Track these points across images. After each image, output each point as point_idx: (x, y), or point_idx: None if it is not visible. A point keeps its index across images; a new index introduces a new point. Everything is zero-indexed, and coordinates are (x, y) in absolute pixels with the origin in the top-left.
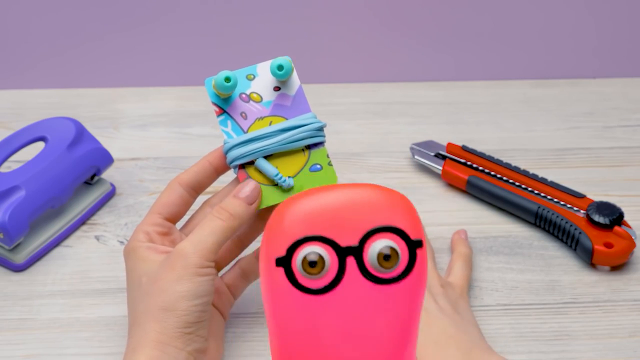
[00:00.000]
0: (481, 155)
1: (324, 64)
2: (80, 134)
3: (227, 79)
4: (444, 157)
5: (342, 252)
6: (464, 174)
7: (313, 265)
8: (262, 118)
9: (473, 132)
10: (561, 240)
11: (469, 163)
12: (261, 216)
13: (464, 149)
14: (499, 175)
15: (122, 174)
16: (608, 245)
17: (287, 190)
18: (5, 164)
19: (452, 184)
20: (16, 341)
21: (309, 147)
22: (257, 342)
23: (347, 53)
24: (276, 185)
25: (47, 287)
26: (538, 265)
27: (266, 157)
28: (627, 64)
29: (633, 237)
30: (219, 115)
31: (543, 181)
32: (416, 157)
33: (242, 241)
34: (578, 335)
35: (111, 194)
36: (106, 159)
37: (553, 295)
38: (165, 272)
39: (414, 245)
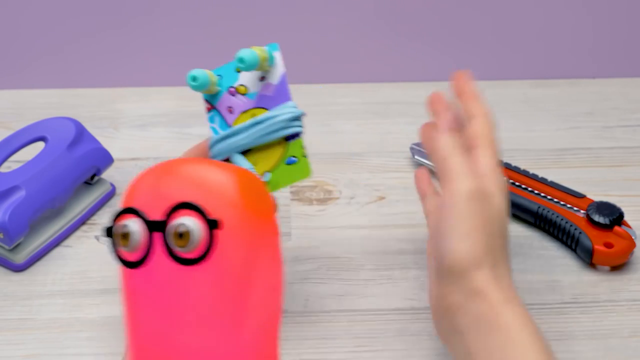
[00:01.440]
0: None
1: (324, 64)
2: (80, 134)
3: (194, 79)
4: None
5: (150, 226)
6: None
7: (125, 237)
8: (246, 111)
9: None
10: (561, 240)
11: None
12: None
13: None
14: None
15: (122, 174)
16: (608, 245)
17: None
18: (5, 164)
19: None
20: (16, 341)
21: (287, 138)
22: None
23: (347, 53)
24: None
25: (47, 287)
26: (538, 265)
27: (247, 152)
28: (626, 64)
29: (633, 237)
30: (208, 111)
31: (543, 181)
32: (416, 157)
33: None
34: (578, 336)
35: (111, 194)
36: (106, 159)
37: (553, 295)
38: None
39: (212, 226)
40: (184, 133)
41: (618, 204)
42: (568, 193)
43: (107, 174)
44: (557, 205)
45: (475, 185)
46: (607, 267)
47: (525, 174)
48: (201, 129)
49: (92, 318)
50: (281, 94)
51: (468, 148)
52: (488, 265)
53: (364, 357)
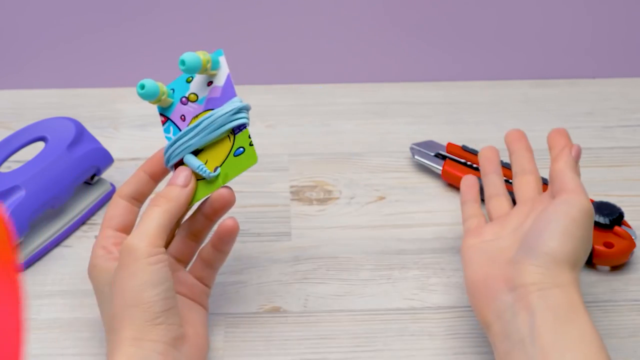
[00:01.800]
0: None
1: (324, 64)
2: (80, 134)
3: (142, 87)
4: (444, 157)
5: None
6: (464, 174)
7: None
8: (196, 116)
9: (473, 132)
10: None
11: (469, 163)
12: (204, 213)
13: (464, 149)
14: None
15: (122, 174)
16: (608, 245)
17: (213, 180)
18: (5, 164)
19: (452, 184)
20: None
21: (233, 132)
22: (257, 342)
23: (347, 53)
24: (204, 178)
25: (47, 287)
26: None
27: (198, 152)
28: (626, 64)
29: (633, 237)
30: (163, 124)
31: (543, 181)
32: (416, 157)
33: (197, 236)
34: None
35: (111, 194)
36: (106, 159)
37: None
38: (120, 272)
39: None
40: None
41: (618, 204)
42: None
43: (107, 174)
44: None
45: (588, 204)
46: (607, 267)
47: None
48: None
49: (92, 318)
50: (227, 93)
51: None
52: (577, 269)
53: (364, 357)
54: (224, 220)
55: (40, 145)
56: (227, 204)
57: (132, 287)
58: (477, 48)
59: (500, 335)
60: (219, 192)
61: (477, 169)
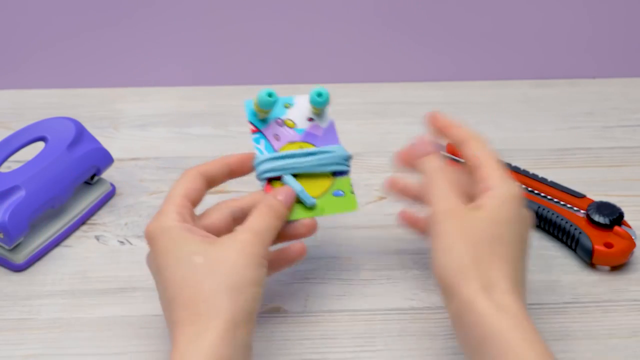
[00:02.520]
0: None
1: (324, 64)
2: (80, 134)
3: (270, 95)
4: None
5: None
6: None
7: None
8: (293, 142)
9: None
10: (561, 240)
11: None
12: (284, 231)
13: None
14: None
15: (122, 174)
16: (608, 245)
17: (310, 208)
18: (5, 164)
19: None
20: (16, 341)
21: (334, 174)
22: (258, 342)
23: (347, 53)
24: (299, 202)
25: (47, 287)
26: (538, 265)
27: (296, 176)
28: (626, 64)
29: (633, 237)
30: (253, 133)
31: (543, 181)
32: None
33: None
34: (578, 336)
35: (111, 194)
36: (106, 159)
37: (553, 295)
38: (233, 256)
39: None
40: (184, 133)
41: (618, 204)
42: (568, 193)
43: (107, 174)
44: (557, 205)
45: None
46: (607, 267)
47: (525, 174)
48: (201, 129)
49: (92, 318)
50: (330, 136)
51: (473, 167)
52: (475, 276)
53: (364, 357)
54: (296, 243)
55: (40, 145)
56: (310, 233)
57: (244, 275)
58: (477, 48)
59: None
60: (309, 221)
61: None
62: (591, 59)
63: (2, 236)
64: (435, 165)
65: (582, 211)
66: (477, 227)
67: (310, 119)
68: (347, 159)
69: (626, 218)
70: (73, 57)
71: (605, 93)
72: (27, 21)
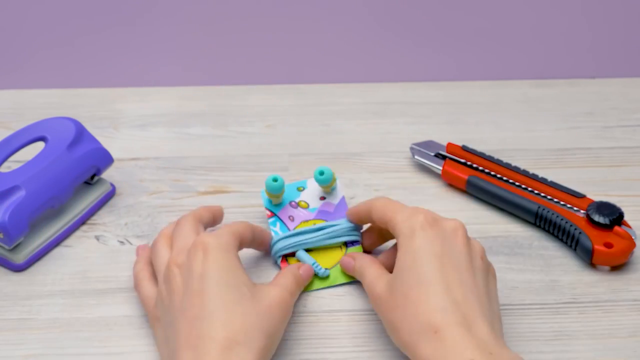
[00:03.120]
0: (481, 155)
1: (324, 64)
2: (80, 134)
3: (275, 179)
4: (444, 157)
5: None
6: (464, 174)
7: None
8: (307, 220)
9: (473, 132)
10: (561, 240)
11: (469, 163)
12: None
13: (464, 149)
14: (498, 175)
15: (122, 174)
16: (608, 245)
17: (324, 278)
18: (5, 164)
19: (452, 184)
20: (16, 341)
21: (346, 244)
22: None
23: (347, 53)
24: (314, 274)
25: (47, 287)
26: (538, 265)
27: (307, 251)
28: (626, 64)
29: (633, 237)
30: (269, 217)
31: (543, 181)
32: (416, 157)
33: None
34: (578, 335)
35: (111, 194)
36: (106, 159)
37: (553, 295)
38: (274, 303)
39: None
40: (184, 133)
41: (618, 204)
42: (568, 193)
43: (107, 174)
44: (557, 205)
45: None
46: (607, 267)
47: (525, 174)
48: (201, 129)
49: (92, 318)
50: (342, 211)
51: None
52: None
53: (364, 357)
54: None
55: (40, 145)
56: None
57: (278, 325)
58: (477, 48)
59: None
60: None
61: (477, 169)
62: (591, 59)
63: (2, 236)
64: (360, 264)
65: (582, 211)
66: (404, 285)
67: (322, 198)
68: (356, 229)
69: (626, 218)
70: (73, 57)
71: (605, 93)
72: (27, 21)
